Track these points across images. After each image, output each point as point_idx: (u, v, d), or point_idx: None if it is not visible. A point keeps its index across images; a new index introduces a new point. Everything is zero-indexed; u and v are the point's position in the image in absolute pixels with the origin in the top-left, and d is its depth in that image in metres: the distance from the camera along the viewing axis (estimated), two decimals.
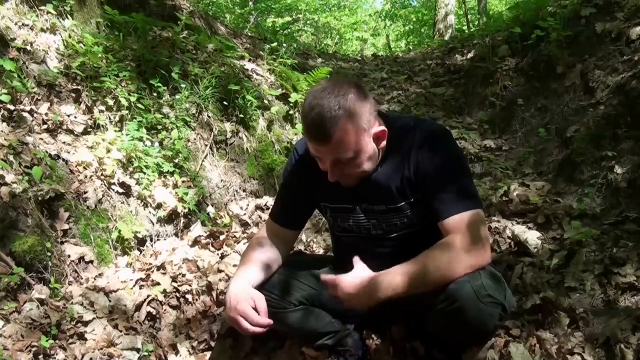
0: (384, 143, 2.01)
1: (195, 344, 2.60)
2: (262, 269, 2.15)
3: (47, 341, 2.19)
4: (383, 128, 1.97)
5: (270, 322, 1.98)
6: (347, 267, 1.97)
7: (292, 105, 4.37)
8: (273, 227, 2.29)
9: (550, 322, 2.27)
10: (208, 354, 2.52)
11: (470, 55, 5.77)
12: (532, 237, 2.80)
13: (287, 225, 2.28)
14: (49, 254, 2.54)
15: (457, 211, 1.92)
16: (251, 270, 2.13)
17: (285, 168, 2.36)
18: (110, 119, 3.31)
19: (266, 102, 4.19)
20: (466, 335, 2.02)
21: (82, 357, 2.25)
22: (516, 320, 2.29)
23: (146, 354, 2.45)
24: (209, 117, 3.78)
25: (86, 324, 2.40)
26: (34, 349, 2.15)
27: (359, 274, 1.90)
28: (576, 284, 2.42)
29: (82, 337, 2.35)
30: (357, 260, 1.95)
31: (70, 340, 2.32)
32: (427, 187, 1.99)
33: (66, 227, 2.74)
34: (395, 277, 1.84)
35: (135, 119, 3.36)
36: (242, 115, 3.96)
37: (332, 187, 2.10)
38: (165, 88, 3.62)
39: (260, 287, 2.18)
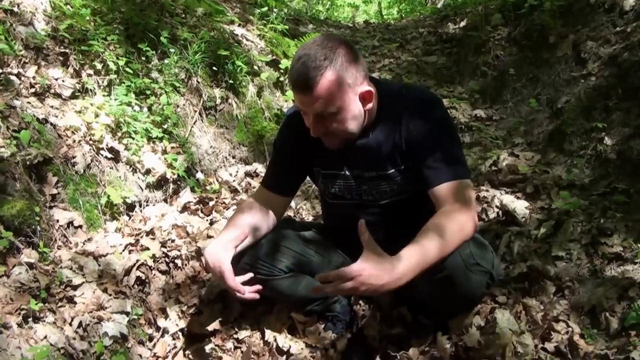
0: (370, 105, 2.00)
1: (184, 308, 2.61)
2: (248, 230, 2.13)
3: (36, 304, 2.19)
4: (370, 89, 1.96)
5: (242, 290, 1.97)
6: (337, 235, 1.99)
7: (282, 71, 4.33)
8: (264, 193, 2.29)
9: (536, 290, 2.30)
10: (197, 318, 2.54)
11: (462, 24, 5.72)
12: (520, 206, 2.82)
13: (278, 191, 2.28)
14: (38, 218, 2.53)
15: (448, 179, 1.93)
16: (231, 231, 2.12)
17: (278, 134, 2.36)
18: (98, 83, 3.26)
19: (256, 67, 4.15)
20: (454, 303, 2.05)
21: (72, 319, 2.26)
22: (502, 287, 2.32)
23: (135, 317, 2.46)
24: (198, 82, 3.74)
25: (75, 287, 2.40)
26: (23, 312, 2.15)
27: (378, 260, 1.72)
28: (563, 253, 2.45)
29: (71, 300, 2.35)
30: (364, 234, 1.75)
31: (60, 304, 2.32)
32: (417, 154, 2.00)
33: (54, 191, 2.72)
34: (412, 258, 1.75)
35: (124, 83, 3.32)
36: (231, 81, 3.92)
37: (324, 152, 2.10)
38: (154, 52, 3.57)
39: (249, 253, 2.19)
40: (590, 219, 2.54)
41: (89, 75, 3.24)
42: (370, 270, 1.68)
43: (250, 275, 2.07)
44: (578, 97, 3.51)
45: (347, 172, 2.17)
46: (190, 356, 2.44)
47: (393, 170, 2.09)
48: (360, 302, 2.50)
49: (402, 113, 2.03)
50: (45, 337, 2.13)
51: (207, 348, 2.46)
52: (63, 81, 3.10)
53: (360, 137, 2.07)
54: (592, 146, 3.05)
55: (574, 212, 2.60)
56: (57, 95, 3.04)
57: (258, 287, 2.02)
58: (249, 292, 1.99)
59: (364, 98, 1.96)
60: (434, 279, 1.89)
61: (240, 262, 2.17)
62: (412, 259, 1.74)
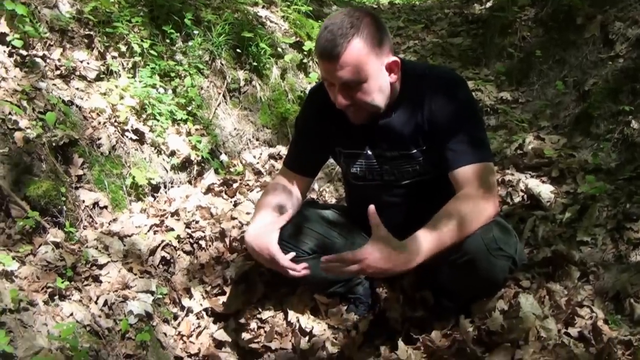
0: (396, 77, 1.98)
1: (208, 288, 2.64)
2: (276, 212, 2.16)
3: (62, 282, 2.23)
4: (396, 59, 1.94)
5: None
6: (360, 217, 1.98)
7: (305, 53, 4.32)
8: (286, 174, 2.30)
9: (560, 275, 2.29)
10: (221, 298, 2.57)
11: (488, 4, 5.64)
12: (545, 190, 2.79)
13: (300, 171, 2.28)
14: (64, 198, 2.57)
15: (469, 161, 1.91)
16: (266, 214, 2.14)
17: (300, 113, 2.36)
18: (122, 65, 3.28)
19: (279, 50, 4.14)
20: (476, 287, 2.04)
21: (97, 298, 2.30)
22: (526, 272, 2.31)
23: (160, 296, 2.49)
24: (222, 64, 3.75)
25: (101, 266, 2.44)
26: (49, 290, 2.19)
27: (384, 245, 1.72)
28: (588, 238, 2.42)
29: (96, 279, 2.39)
30: (374, 219, 1.75)
31: (85, 282, 2.36)
32: (439, 135, 1.98)
33: (80, 172, 2.76)
34: (425, 241, 1.75)
35: (148, 65, 3.34)
36: (255, 63, 3.92)
37: (346, 131, 2.09)
38: (178, 34, 3.58)
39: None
40: (616, 203, 2.50)
41: (114, 57, 3.26)
42: (376, 254, 1.70)
43: (293, 254, 2.09)
44: (605, 80, 3.45)
45: (368, 152, 2.15)
46: (214, 335, 2.46)
47: (415, 151, 2.08)
48: (383, 284, 2.50)
49: (425, 93, 2.01)
50: (71, 314, 2.17)
51: (231, 328, 2.49)
52: (88, 63, 3.12)
53: (383, 116, 2.05)
54: (619, 130, 3.01)
55: (599, 197, 2.57)
56: (82, 78, 3.07)
57: (305, 264, 2.04)
58: (303, 269, 2.01)
59: (390, 69, 1.95)
60: (456, 263, 1.89)
61: None
62: (425, 242, 1.75)
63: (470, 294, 2.11)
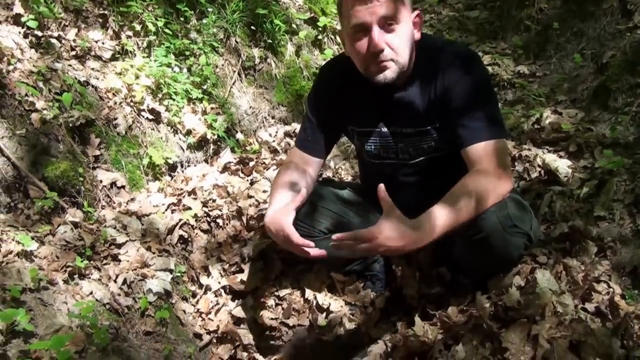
0: (418, 35, 2.00)
1: (226, 266, 2.67)
2: (292, 191, 2.15)
3: (81, 261, 2.26)
4: (418, 13, 1.97)
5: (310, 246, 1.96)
6: (375, 195, 1.98)
7: (320, 29, 4.29)
8: (298, 154, 2.28)
9: (577, 250, 2.28)
10: (239, 276, 2.60)
11: None
12: (563, 165, 2.77)
13: (312, 151, 2.27)
14: (81, 178, 2.60)
15: (483, 139, 1.90)
16: (282, 195, 2.14)
17: (311, 92, 2.34)
18: (137, 44, 3.29)
19: (294, 26, 4.11)
20: (491, 264, 2.04)
21: (116, 276, 2.33)
22: (543, 247, 2.30)
23: (179, 274, 2.52)
24: (237, 42, 3.74)
25: (119, 246, 2.47)
26: (69, 269, 2.22)
27: (396, 223, 1.71)
28: (605, 213, 2.40)
29: (115, 258, 2.42)
30: (385, 199, 1.74)
31: (104, 261, 2.39)
32: (452, 112, 1.96)
33: (97, 152, 2.78)
34: (439, 217, 1.74)
35: (163, 44, 3.34)
36: (270, 40, 3.90)
37: (359, 108, 2.09)
38: (192, 12, 3.57)
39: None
40: (634, 178, 2.48)
41: (129, 36, 3.26)
42: (388, 233, 1.68)
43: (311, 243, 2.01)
44: (624, 52, 3.39)
45: (383, 129, 2.14)
46: (232, 312, 2.49)
47: (429, 127, 2.07)
48: (399, 261, 2.51)
49: (439, 68, 1.99)
50: (91, 293, 2.20)
51: (249, 305, 2.51)
52: (103, 43, 3.13)
53: (398, 89, 2.04)
54: (637, 103, 2.96)
55: (617, 171, 2.54)
56: (98, 58, 3.08)
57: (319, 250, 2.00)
58: (317, 251, 1.98)
59: (415, 23, 1.97)
60: (472, 240, 1.89)
61: None
62: (440, 219, 1.74)
63: (486, 270, 2.11)
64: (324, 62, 4.08)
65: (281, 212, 2.02)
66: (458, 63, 1.98)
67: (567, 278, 2.05)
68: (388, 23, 1.88)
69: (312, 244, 1.95)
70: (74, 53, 2.98)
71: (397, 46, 1.92)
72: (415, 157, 2.15)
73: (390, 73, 1.97)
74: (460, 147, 1.94)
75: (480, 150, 1.89)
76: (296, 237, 1.95)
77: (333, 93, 2.14)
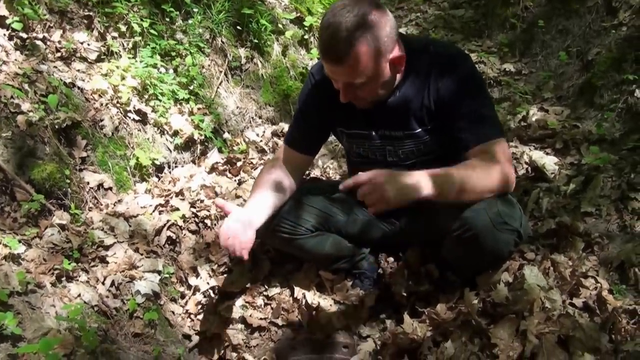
0: (402, 68, 1.96)
1: (214, 266, 2.66)
2: (274, 191, 2.16)
3: (69, 264, 2.25)
4: (401, 54, 1.90)
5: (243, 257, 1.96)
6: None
7: (306, 29, 4.28)
8: (287, 152, 2.29)
9: (564, 246, 2.29)
10: (228, 277, 2.59)
11: None
12: (550, 162, 2.79)
13: (301, 150, 2.27)
14: (68, 180, 2.58)
15: (481, 141, 1.91)
16: (261, 195, 2.14)
17: (302, 92, 2.34)
18: (123, 45, 3.27)
19: (280, 26, 4.10)
20: (481, 261, 2.05)
21: (104, 278, 2.32)
22: (531, 244, 2.32)
23: (167, 275, 2.51)
24: (223, 42, 3.73)
25: (107, 247, 2.46)
26: (56, 272, 2.21)
27: (390, 170, 1.82)
28: (592, 208, 2.42)
29: (103, 260, 2.41)
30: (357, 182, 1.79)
31: (92, 263, 2.38)
32: (446, 115, 1.97)
33: (84, 154, 2.76)
34: (435, 174, 1.83)
35: (149, 45, 3.32)
36: (256, 40, 3.89)
37: (348, 112, 2.08)
38: (178, 13, 3.55)
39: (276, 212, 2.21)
40: (620, 174, 2.50)
41: (114, 37, 3.24)
42: (384, 173, 1.77)
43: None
44: (609, 49, 3.42)
45: (372, 132, 2.15)
46: (222, 313, 2.48)
47: (420, 130, 2.06)
48: (388, 259, 2.51)
49: (430, 71, 1.98)
50: (79, 295, 2.19)
51: (238, 305, 2.51)
52: (88, 44, 3.11)
53: (387, 96, 2.04)
54: (623, 99, 2.99)
55: (603, 167, 2.57)
56: (83, 59, 3.06)
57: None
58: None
59: (395, 63, 1.91)
60: (461, 238, 1.90)
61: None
62: (433, 172, 1.83)
63: (476, 267, 2.12)
64: (310, 62, 4.11)
65: (243, 224, 1.98)
66: (450, 65, 1.97)
67: (554, 274, 2.06)
68: (357, 84, 1.87)
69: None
70: (59, 55, 2.95)
71: (367, 95, 1.94)
72: (405, 160, 2.14)
73: (365, 106, 2.01)
74: (462, 151, 1.95)
75: (487, 149, 1.92)
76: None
77: (322, 95, 2.14)
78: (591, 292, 1.98)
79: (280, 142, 3.57)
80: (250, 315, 2.47)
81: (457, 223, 1.92)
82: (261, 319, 2.47)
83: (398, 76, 1.98)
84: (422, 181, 1.79)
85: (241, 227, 1.96)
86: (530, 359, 1.73)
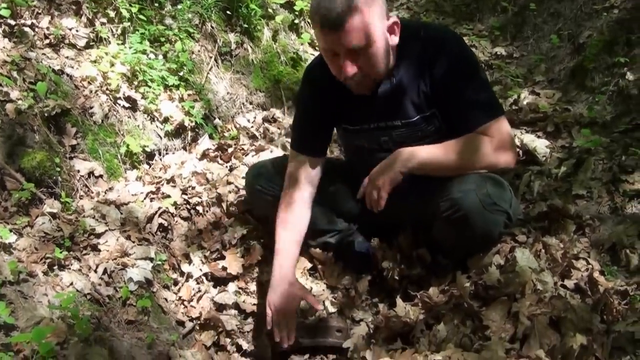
0: (397, 39, 1.94)
1: (207, 253, 2.66)
2: (298, 234, 2.26)
3: (60, 252, 2.24)
4: (396, 19, 1.91)
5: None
6: (357, 174, 2.01)
7: (297, 13, 4.25)
8: (299, 161, 2.26)
9: (556, 228, 2.30)
10: (220, 263, 2.59)
11: None
12: (541, 145, 2.79)
13: (312, 152, 2.26)
14: (58, 169, 2.56)
15: (482, 122, 1.93)
16: (293, 242, 2.24)
17: (298, 94, 2.34)
18: (112, 31, 3.24)
19: (270, 10, 4.07)
20: (471, 243, 2.06)
21: (97, 266, 2.31)
22: (522, 227, 2.32)
23: (159, 262, 2.51)
24: (212, 27, 3.70)
25: (99, 235, 2.45)
26: (48, 260, 2.20)
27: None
28: (583, 191, 2.43)
29: (95, 248, 2.40)
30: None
31: (84, 251, 2.37)
32: (444, 100, 1.97)
33: (74, 142, 2.74)
34: (428, 146, 1.96)
35: (138, 30, 3.29)
36: (246, 25, 3.86)
37: (346, 107, 2.09)
38: None
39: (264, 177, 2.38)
40: (612, 156, 2.50)
41: (103, 23, 3.21)
42: (376, 168, 1.99)
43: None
44: (600, 31, 3.41)
45: (371, 125, 2.15)
46: (215, 299, 2.49)
47: (418, 117, 2.06)
48: (380, 243, 2.51)
49: (424, 56, 1.97)
50: (71, 283, 2.19)
51: (231, 291, 2.51)
52: (77, 31, 3.08)
53: (383, 82, 2.03)
54: (614, 82, 2.99)
55: (595, 150, 2.57)
56: (72, 46, 3.03)
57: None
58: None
59: (392, 30, 1.91)
60: (451, 219, 1.92)
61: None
62: (425, 146, 1.97)
63: (466, 249, 2.13)
64: (301, 47, 4.09)
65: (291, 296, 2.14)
66: (446, 50, 1.96)
67: (546, 256, 2.07)
68: (361, 50, 1.85)
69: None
70: (47, 41, 2.92)
71: (370, 66, 1.91)
72: (401, 145, 2.13)
73: (364, 88, 2.00)
74: (464, 133, 1.96)
75: (485, 131, 1.94)
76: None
77: (320, 94, 2.13)
78: (583, 274, 1.99)
79: (272, 127, 3.56)
80: (244, 301, 2.48)
81: (447, 204, 1.93)
82: (254, 304, 2.47)
83: (392, 59, 1.97)
84: (404, 153, 1.95)
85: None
86: (523, 341, 1.74)
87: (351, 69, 1.88)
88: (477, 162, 1.92)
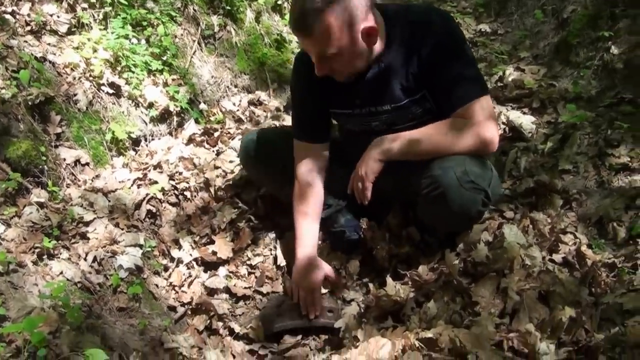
0: (376, 40, 1.95)
1: (197, 238, 2.65)
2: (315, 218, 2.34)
3: (49, 242, 2.23)
4: (373, 25, 1.89)
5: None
6: (350, 155, 2.03)
7: None
8: (303, 149, 2.30)
9: (543, 204, 2.32)
10: (210, 247, 2.59)
11: None
12: (527, 121, 2.80)
13: (314, 139, 2.29)
14: (44, 157, 2.54)
15: (462, 103, 1.94)
16: (312, 227, 2.34)
17: (291, 82, 2.36)
18: (93, 16, 3.19)
19: None
20: (450, 221, 2.08)
21: (86, 255, 2.30)
22: (510, 203, 2.34)
23: (149, 249, 2.50)
24: (195, 10, 3.66)
25: (87, 223, 2.44)
26: (37, 250, 2.19)
27: None
28: (570, 166, 2.45)
29: (84, 236, 2.39)
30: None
31: (73, 240, 2.36)
32: (430, 80, 1.98)
33: (59, 130, 2.71)
34: (400, 136, 2.00)
35: (119, 15, 3.24)
36: (228, 7, 3.82)
37: (336, 92, 2.11)
38: None
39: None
40: (597, 130, 2.52)
41: (84, 9, 3.16)
42: (360, 161, 2.04)
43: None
44: (584, 6, 3.42)
45: (361, 110, 2.16)
46: (206, 284, 2.49)
47: (407, 101, 2.07)
48: (370, 223, 2.52)
49: (412, 38, 1.98)
50: (61, 272, 2.18)
51: (222, 275, 2.52)
52: (58, 17, 3.04)
53: (372, 67, 2.04)
54: (599, 56, 3.00)
55: (580, 125, 2.59)
56: (54, 32, 2.99)
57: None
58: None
59: (368, 34, 1.90)
60: (429, 196, 1.96)
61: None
62: (405, 132, 2.01)
63: (447, 227, 2.15)
64: (285, 28, 4.07)
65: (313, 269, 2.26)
66: (430, 30, 1.97)
67: (534, 231, 2.09)
68: (330, 55, 1.89)
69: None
70: (29, 28, 2.88)
71: (342, 67, 1.96)
72: (392, 126, 2.16)
73: (344, 79, 2.03)
74: (448, 113, 1.98)
75: (467, 111, 1.94)
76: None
77: (310, 80, 2.12)
78: (570, 248, 2.01)
79: (257, 110, 3.54)
80: (235, 285, 2.48)
81: (427, 181, 1.96)
82: (245, 287, 2.48)
83: (376, 47, 1.98)
84: (383, 142, 2.01)
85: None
86: (512, 315, 1.76)
87: (321, 70, 1.95)
88: (457, 145, 1.93)
